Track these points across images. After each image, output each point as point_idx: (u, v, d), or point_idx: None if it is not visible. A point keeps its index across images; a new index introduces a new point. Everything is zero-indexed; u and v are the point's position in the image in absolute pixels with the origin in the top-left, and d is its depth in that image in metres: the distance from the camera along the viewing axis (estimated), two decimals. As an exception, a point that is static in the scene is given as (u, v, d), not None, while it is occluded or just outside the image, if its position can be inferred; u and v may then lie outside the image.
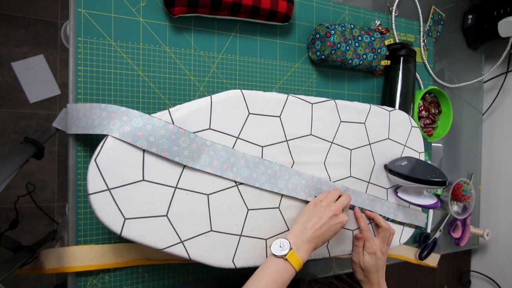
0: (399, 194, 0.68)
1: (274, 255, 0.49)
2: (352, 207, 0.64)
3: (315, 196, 0.59)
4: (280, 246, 0.50)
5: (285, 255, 0.49)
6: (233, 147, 0.53)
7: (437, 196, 0.94)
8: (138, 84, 0.60)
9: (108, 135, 0.46)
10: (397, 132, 0.70)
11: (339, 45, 0.70)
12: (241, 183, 0.54)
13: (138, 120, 0.46)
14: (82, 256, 0.56)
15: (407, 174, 0.62)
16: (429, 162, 0.90)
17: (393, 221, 0.69)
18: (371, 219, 0.66)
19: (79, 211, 0.56)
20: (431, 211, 0.94)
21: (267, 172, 0.55)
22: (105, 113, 0.47)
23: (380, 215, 0.67)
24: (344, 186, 0.63)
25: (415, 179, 0.61)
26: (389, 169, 0.67)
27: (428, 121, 0.91)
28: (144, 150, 0.47)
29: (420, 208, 0.74)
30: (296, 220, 0.55)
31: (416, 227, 0.74)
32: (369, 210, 0.66)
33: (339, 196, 0.58)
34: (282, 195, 0.57)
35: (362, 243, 0.62)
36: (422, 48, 0.91)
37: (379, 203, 0.68)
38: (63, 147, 1.44)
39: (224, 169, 0.52)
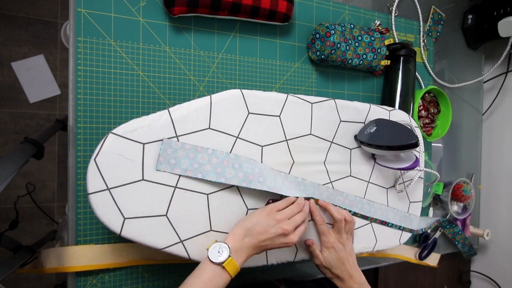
0: (378, 161, 0.66)
1: (210, 260, 0.45)
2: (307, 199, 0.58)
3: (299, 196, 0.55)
4: (219, 252, 0.46)
5: (222, 262, 0.45)
6: (232, 147, 0.53)
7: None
8: (138, 84, 0.60)
9: (109, 133, 0.46)
10: (397, 132, 0.70)
11: (339, 45, 0.70)
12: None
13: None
14: (82, 256, 0.56)
15: (378, 143, 0.59)
16: (429, 162, 0.90)
17: (387, 224, 0.68)
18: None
19: (79, 211, 0.56)
20: (430, 210, 0.94)
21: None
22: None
23: (375, 218, 0.65)
24: (342, 192, 0.63)
25: (387, 147, 0.58)
26: (360, 140, 0.63)
27: (427, 121, 0.91)
28: (143, 150, 0.47)
29: (419, 211, 0.74)
30: (242, 222, 0.50)
31: (410, 230, 0.72)
32: (323, 201, 0.59)
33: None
34: (281, 195, 0.57)
35: (315, 246, 0.58)
36: (422, 48, 0.91)
37: (374, 207, 0.66)
38: (63, 147, 1.44)
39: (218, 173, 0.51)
